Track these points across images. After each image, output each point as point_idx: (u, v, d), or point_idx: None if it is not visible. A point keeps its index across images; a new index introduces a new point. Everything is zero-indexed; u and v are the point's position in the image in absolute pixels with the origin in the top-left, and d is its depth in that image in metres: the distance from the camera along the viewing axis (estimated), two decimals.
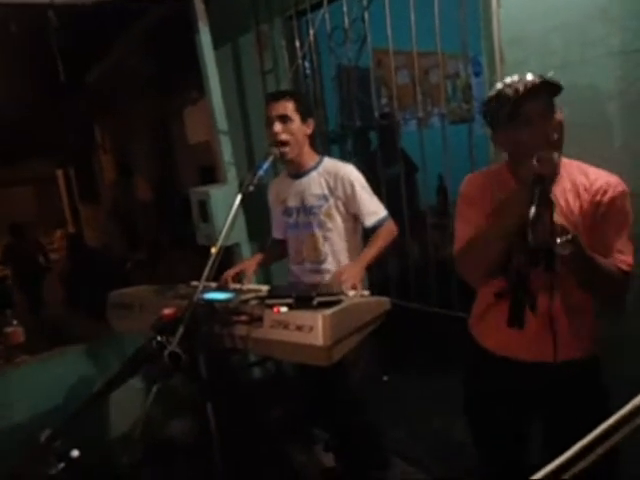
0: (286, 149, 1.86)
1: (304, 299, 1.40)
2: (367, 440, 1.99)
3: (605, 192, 1.26)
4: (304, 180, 1.94)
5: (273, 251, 2.21)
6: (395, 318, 1.87)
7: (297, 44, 2.67)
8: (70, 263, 7.82)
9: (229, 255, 2.69)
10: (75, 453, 0.92)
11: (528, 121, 1.24)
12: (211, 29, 2.65)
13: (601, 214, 1.26)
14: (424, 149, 2.50)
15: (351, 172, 1.89)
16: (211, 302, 1.50)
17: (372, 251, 1.83)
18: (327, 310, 1.35)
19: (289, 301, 1.42)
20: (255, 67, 2.87)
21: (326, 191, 1.89)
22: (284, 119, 1.84)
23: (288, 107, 1.84)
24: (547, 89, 1.23)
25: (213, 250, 1.43)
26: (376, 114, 2.51)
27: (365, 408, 1.93)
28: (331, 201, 1.89)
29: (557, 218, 1.11)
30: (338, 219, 1.90)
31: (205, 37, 2.63)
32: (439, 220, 3.32)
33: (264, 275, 2.82)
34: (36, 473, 0.92)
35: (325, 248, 1.92)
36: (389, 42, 2.28)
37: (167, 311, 1.44)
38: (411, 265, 2.47)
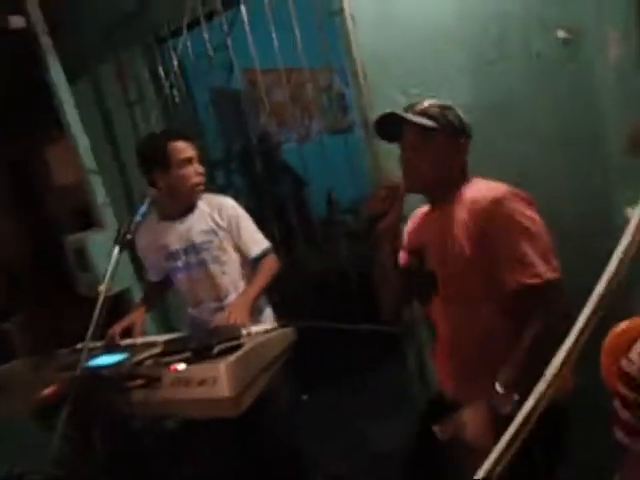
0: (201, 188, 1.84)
1: (203, 349, 1.32)
2: (291, 465, 1.94)
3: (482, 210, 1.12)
4: (187, 220, 1.88)
5: (152, 295, 2.11)
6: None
7: (161, 72, 2.54)
8: None
9: (119, 303, 2.48)
10: None
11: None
12: (63, 62, 2.44)
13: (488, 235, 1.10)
14: (307, 163, 2.51)
15: (232, 205, 1.89)
16: (99, 370, 1.36)
17: (256, 288, 1.80)
18: (229, 357, 1.29)
19: (187, 355, 1.33)
20: (119, 99, 2.70)
21: (213, 225, 1.86)
22: (192, 160, 1.80)
23: (192, 148, 1.81)
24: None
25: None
26: (253, 138, 2.48)
27: (292, 434, 1.90)
28: (220, 234, 1.86)
29: None
30: (230, 250, 1.88)
31: (56, 72, 2.42)
32: (330, 230, 3.35)
33: (163, 322, 2.65)
34: None
35: (224, 281, 1.87)
36: (256, 63, 2.26)
37: (48, 391, 1.30)
38: (309, 280, 2.47)
